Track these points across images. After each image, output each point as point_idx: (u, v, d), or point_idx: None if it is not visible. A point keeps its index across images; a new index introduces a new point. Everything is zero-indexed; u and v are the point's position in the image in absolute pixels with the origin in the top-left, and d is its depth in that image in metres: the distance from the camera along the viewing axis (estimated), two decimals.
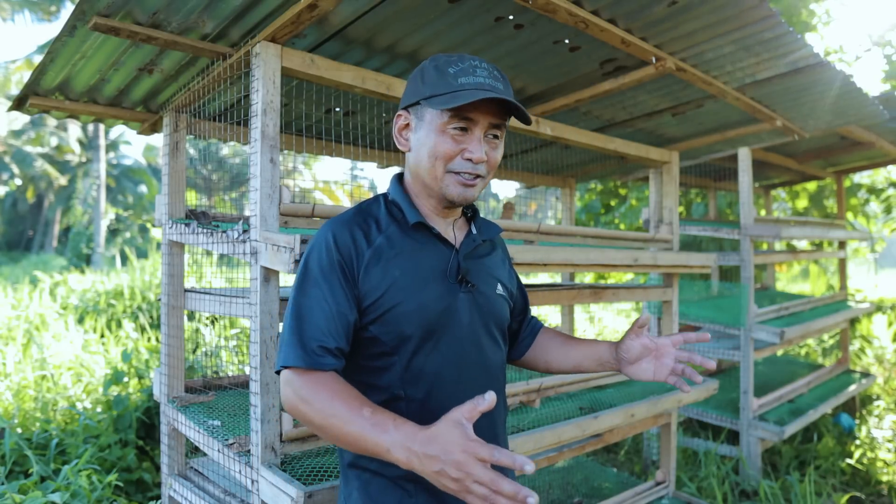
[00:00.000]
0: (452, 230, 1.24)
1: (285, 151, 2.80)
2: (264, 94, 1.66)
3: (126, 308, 6.58)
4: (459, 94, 1.08)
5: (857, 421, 4.57)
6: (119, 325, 6.18)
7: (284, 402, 1.06)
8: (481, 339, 1.20)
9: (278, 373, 1.09)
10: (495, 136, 1.16)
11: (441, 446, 0.85)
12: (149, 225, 18.56)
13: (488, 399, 0.85)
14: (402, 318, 1.11)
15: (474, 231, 1.27)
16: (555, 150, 3.50)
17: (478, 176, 1.14)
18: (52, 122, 24.39)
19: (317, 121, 2.70)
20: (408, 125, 1.19)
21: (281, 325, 1.72)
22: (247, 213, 2.23)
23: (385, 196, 1.24)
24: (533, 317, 1.49)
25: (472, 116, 1.11)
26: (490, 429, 1.20)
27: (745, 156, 3.72)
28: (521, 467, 0.80)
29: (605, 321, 7.73)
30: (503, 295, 1.28)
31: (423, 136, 1.14)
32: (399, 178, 1.26)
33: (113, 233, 25.16)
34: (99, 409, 3.56)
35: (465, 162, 1.13)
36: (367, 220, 1.18)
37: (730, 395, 4.06)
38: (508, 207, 3.28)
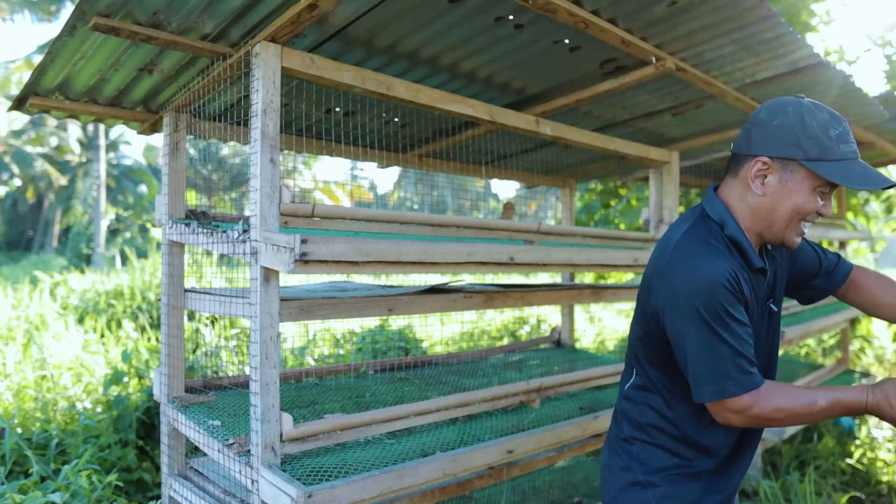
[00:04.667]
0: (762, 254, 1.35)
1: (285, 151, 2.80)
2: (264, 94, 1.66)
3: (126, 308, 6.57)
4: (851, 170, 1.16)
5: (857, 421, 4.57)
6: (119, 325, 6.18)
7: (736, 423, 1.20)
8: (768, 350, 1.39)
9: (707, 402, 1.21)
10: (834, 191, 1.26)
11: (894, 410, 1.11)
12: (149, 225, 18.56)
13: None
14: None
15: (769, 246, 1.37)
16: (555, 150, 3.50)
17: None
18: (52, 122, 24.37)
19: (317, 121, 2.70)
20: (768, 171, 1.22)
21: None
22: (247, 213, 2.23)
23: (718, 225, 1.28)
24: (839, 267, 1.51)
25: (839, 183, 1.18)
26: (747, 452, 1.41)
27: None
28: None
29: (605, 321, 7.72)
30: (779, 300, 1.41)
31: (792, 192, 1.20)
32: (722, 202, 1.30)
33: (113, 233, 25.17)
34: (99, 409, 3.56)
35: (815, 215, 1.23)
36: (728, 254, 1.24)
37: None
38: (508, 207, 3.28)
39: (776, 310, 1.37)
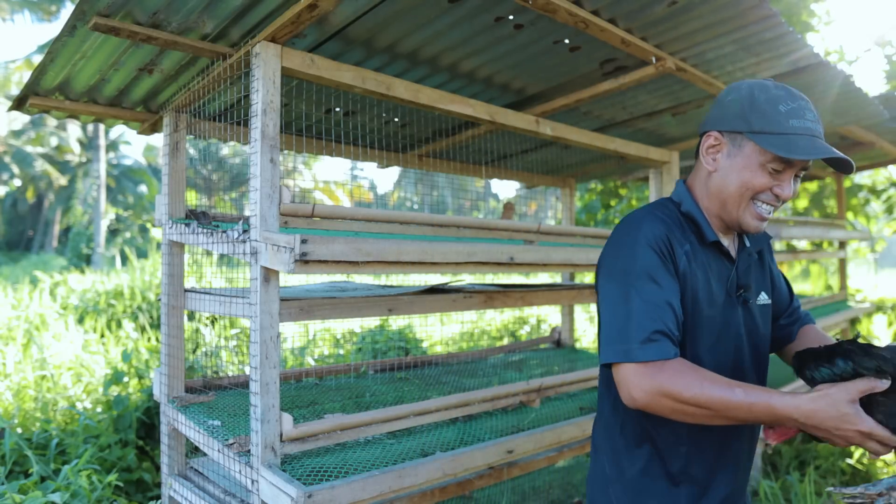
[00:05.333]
0: (732, 243, 1.30)
1: (285, 151, 2.80)
2: (264, 94, 1.66)
3: (126, 308, 6.57)
4: (794, 141, 1.11)
5: None
6: (119, 325, 6.18)
7: (638, 396, 1.06)
8: (750, 349, 1.29)
9: (607, 366, 1.14)
10: (801, 173, 1.19)
11: (833, 423, 1.00)
12: (149, 225, 18.56)
13: (882, 384, 1.01)
14: (697, 327, 1.19)
15: (747, 243, 1.32)
16: (555, 150, 3.50)
17: (773, 209, 1.20)
18: (52, 122, 24.38)
19: (317, 121, 2.70)
20: (718, 146, 1.21)
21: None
22: (247, 213, 2.23)
23: (676, 204, 1.28)
24: (801, 312, 1.47)
25: (794, 161, 1.14)
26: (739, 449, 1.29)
27: None
28: None
29: None
30: (766, 304, 1.35)
31: (739, 166, 1.17)
32: (685, 186, 1.30)
33: (113, 233, 25.17)
34: (99, 409, 3.56)
35: (772, 196, 1.17)
36: (671, 224, 1.21)
37: None
38: (508, 207, 3.28)
39: (751, 301, 1.29)
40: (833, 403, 1.01)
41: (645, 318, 1.08)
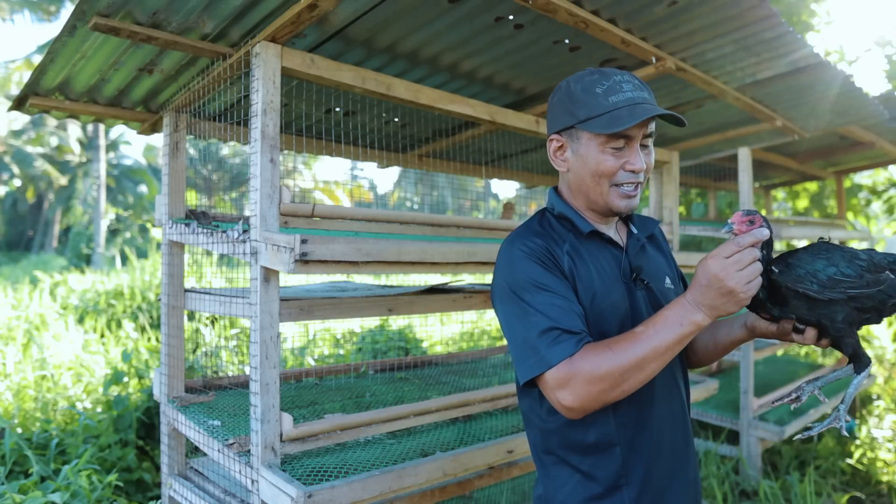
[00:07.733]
0: (616, 232, 1.30)
1: (285, 151, 2.80)
2: (264, 94, 1.66)
3: (126, 308, 6.57)
4: (616, 116, 1.13)
5: (857, 421, 4.57)
6: (119, 325, 6.18)
7: (566, 398, 1.05)
8: None
9: (525, 384, 1.11)
10: (647, 141, 1.20)
11: (706, 278, 1.02)
12: (149, 225, 18.55)
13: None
14: (601, 318, 1.17)
15: (635, 230, 1.32)
16: None
17: (638, 184, 1.20)
18: (52, 122, 24.38)
19: (317, 121, 2.70)
20: (562, 147, 1.23)
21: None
22: (247, 213, 2.23)
23: (549, 211, 1.30)
24: None
25: (628, 133, 1.15)
26: (682, 437, 1.30)
27: (745, 156, 3.72)
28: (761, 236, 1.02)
29: None
30: (672, 288, 1.32)
31: (584, 158, 1.19)
32: (555, 192, 1.32)
33: (113, 233, 25.16)
34: (99, 409, 3.56)
35: (627, 174, 1.18)
36: (546, 230, 1.24)
37: (730, 395, 4.06)
38: (508, 207, 3.28)
39: (654, 285, 1.27)
40: (709, 260, 1.03)
41: (546, 325, 1.09)
